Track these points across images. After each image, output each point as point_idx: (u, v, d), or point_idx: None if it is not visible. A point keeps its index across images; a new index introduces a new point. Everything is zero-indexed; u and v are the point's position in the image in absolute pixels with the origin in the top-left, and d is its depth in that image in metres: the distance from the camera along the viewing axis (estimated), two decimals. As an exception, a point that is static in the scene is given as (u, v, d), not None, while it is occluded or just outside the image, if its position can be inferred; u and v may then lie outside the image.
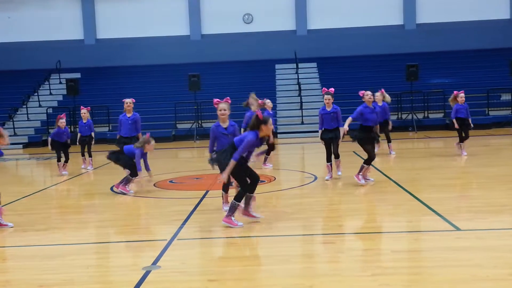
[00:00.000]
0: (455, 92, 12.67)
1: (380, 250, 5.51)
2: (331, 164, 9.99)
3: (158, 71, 26.17)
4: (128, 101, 10.89)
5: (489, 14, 26.32)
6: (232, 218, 6.65)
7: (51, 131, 21.51)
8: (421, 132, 20.01)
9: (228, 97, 7.44)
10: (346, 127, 9.20)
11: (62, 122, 12.38)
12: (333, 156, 9.93)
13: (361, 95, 9.32)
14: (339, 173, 10.11)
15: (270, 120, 6.52)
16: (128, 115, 10.87)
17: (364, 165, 9.22)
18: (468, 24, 26.28)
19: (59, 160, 12.65)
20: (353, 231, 6.51)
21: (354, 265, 5.04)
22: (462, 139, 12.75)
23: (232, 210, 6.64)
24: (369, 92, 9.27)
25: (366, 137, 9.12)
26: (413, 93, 21.48)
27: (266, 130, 6.45)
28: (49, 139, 12.54)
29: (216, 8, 27.30)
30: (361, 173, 9.22)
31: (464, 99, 12.48)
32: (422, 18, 26.88)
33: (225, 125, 7.36)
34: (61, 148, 12.48)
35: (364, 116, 9.07)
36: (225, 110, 7.16)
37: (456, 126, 12.52)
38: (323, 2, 27.06)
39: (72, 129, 20.74)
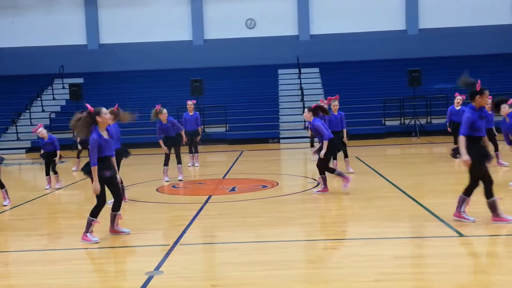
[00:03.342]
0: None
1: (383, 256, 5.50)
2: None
3: (160, 76, 26.21)
4: (190, 103, 13.76)
5: (492, 19, 26.30)
6: (88, 234, 6.50)
7: (54, 136, 21.78)
8: (424, 137, 19.99)
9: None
10: (466, 157, 6.42)
11: (39, 132, 11.31)
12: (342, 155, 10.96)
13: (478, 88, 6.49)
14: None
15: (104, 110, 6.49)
16: (191, 113, 13.53)
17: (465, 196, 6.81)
18: (471, 29, 26.28)
19: (47, 174, 11.25)
20: (356, 236, 6.50)
21: (357, 271, 5.04)
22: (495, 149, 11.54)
23: (88, 226, 6.52)
24: (489, 94, 6.69)
25: (482, 155, 6.54)
26: (415, 98, 21.48)
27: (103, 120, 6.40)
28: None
29: (219, 13, 27.35)
30: (463, 209, 6.82)
31: (490, 106, 10.84)
32: (424, 23, 26.89)
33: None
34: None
35: (476, 124, 6.50)
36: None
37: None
38: (326, 7, 27.09)
39: (75, 133, 20.76)
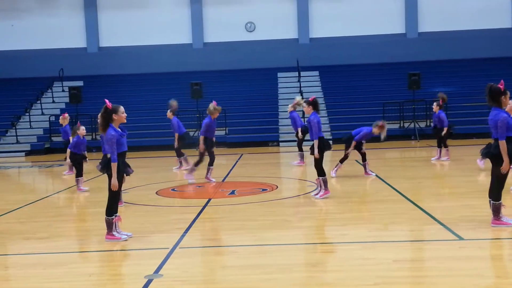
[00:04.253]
0: None
1: (382, 259, 5.50)
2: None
3: (160, 79, 26.22)
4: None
5: (491, 23, 26.34)
6: (114, 233, 6.61)
7: (54, 139, 21.77)
8: (423, 140, 19.97)
9: None
10: (507, 164, 6.31)
11: (83, 129, 10.97)
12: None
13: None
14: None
15: (121, 108, 6.51)
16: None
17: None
18: (470, 33, 26.30)
19: (80, 175, 10.89)
20: (355, 240, 6.50)
21: (356, 274, 5.04)
22: None
23: (109, 226, 6.60)
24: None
25: None
26: (415, 101, 21.49)
27: (119, 118, 6.48)
28: (68, 150, 11.03)
29: (219, 16, 27.37)
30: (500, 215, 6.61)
31: None
32: (424, 26, 26.91)
33: None
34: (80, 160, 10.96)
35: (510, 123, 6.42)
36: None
37: None
38: (325, 11, 27.12)
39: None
